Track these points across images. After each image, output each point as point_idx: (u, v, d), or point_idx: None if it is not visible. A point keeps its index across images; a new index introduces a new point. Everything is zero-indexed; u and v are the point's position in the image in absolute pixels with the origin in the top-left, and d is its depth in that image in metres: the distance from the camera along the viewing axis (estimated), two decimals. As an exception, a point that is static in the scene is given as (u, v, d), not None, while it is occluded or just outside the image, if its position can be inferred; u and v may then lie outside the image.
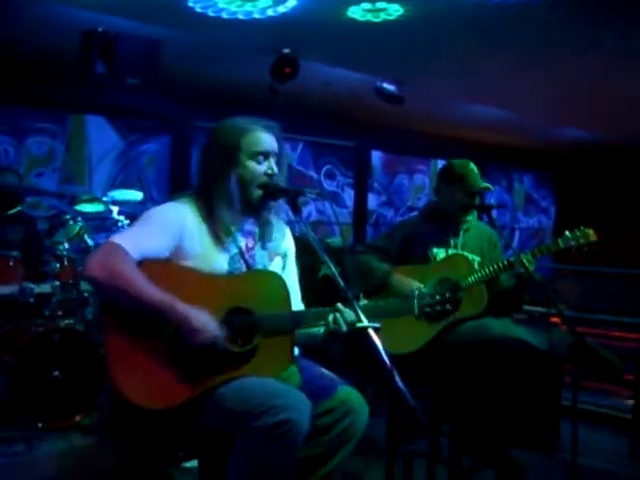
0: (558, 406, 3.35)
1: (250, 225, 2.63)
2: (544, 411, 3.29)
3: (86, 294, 4.53)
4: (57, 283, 4.39)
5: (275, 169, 2.55)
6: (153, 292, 2.30)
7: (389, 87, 6.57)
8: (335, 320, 2.38)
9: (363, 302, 2.53)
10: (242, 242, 2.57)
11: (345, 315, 2.36)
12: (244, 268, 2.53)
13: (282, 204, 2.66)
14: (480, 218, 3.89)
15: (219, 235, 2.50)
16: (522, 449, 3.46)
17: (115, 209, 4.90)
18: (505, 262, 3.45)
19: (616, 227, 9.69)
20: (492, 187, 3.71)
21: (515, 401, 3.27)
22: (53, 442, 3.90)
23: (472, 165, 3.69)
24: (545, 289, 3.05)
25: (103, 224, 5.42)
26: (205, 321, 2.32)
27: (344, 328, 2.36)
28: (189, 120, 7.43)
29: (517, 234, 11.55)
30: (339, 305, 2.39)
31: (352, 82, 6.70)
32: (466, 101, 7.75)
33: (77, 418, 4.09)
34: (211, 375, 2.36)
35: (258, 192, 2.53)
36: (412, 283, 3.35)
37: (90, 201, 4.93)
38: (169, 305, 2.30)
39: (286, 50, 5.72)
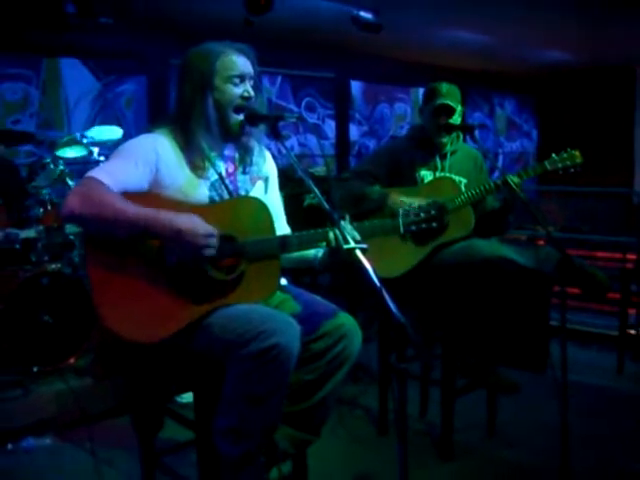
0: (548, 324, 3.39)
1: (230, 150, 2.59)
2: (534, 330, 3.33)
3: (72, 237, 4.49)
4: (42, 228, 4.34)
5: (251, 92, 2.50)
6: (135, 208, 2.24)
7: (366, 15, 6.47)
8: (336, 238, 2.34)
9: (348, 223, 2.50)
10: (222, 167, 2.54)
11: (347, 232, 2.25)
12: (225, 194, 2.50)
13: (262, 134, 2.63)
14: (465, 141, 3.87)
15: (197, 163, 2.46)
16: (513, 368, 3.51)
17: (96, 150, 4.83)
18: (492, 183, 3.45)
19: (598, 148, 9.70)
20: (457, 107, 3.60)
21: (505, 321, 3.30)
22: (50, 385, 3.92)
23: (444, 85, 3.62)
24: (532, 210, 3.05)
25: (85, 167, 5.35)
26: (195, 221, 2.27)
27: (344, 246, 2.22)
28: (165, 58, 7.29)
29: (501, 158, 11.53)
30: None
31: (329, 12, 6.58)
32: (445, 27, 7.64)
33: (71, 360, 4.10)
34: (198, 305, 2.34)
35: (236, 117, 2.49)
36: (411, 201, 3.31)
37: (69, 143, 4.85)
38: (153, 214, 2.24)
39: (260, -20, 5.59)
